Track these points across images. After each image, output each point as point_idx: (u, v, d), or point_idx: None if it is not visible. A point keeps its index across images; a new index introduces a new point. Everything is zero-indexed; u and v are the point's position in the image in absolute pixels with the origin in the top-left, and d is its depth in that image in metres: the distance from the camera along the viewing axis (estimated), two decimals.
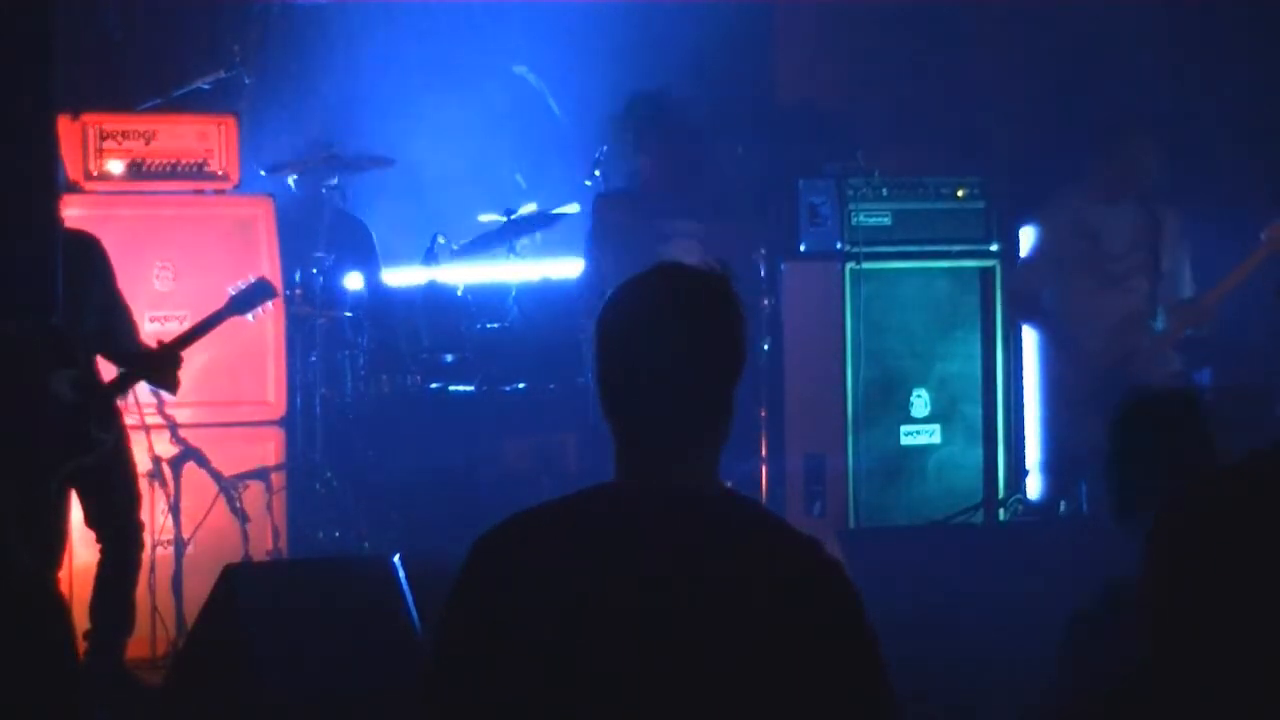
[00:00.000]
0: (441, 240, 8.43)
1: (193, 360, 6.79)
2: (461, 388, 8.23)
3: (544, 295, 8.39)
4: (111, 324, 6.50)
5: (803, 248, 8.24)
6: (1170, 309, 7.87)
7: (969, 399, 8.15)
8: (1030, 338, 8.24)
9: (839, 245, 8.06)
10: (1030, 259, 8.09)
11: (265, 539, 7.40)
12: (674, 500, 2.68)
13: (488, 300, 8.37)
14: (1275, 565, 2.81)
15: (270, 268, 7.47)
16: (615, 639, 2.60)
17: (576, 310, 7.96)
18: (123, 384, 6.50)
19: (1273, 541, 2.82)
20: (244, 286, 6.77)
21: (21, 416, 6.06)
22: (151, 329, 7.19)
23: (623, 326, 2.72)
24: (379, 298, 8.37)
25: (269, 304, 6.86)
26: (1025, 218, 8.24)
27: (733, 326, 2.73)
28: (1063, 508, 8.02)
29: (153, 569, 6.91)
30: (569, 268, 8.36)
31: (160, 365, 6.50)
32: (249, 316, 6.80)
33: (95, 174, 7.36)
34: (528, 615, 2.63)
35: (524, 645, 2.62)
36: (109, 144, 7.40)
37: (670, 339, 2.69)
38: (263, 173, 8.27)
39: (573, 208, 8.47)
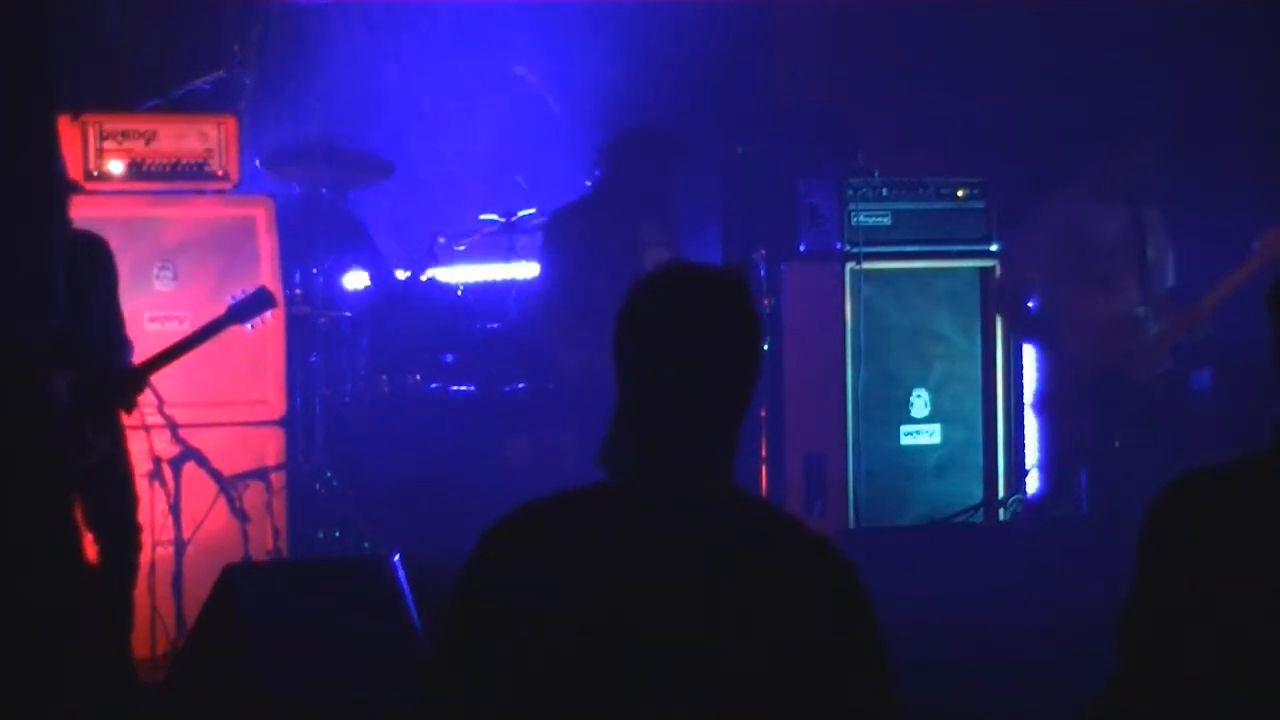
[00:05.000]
0: (441, 240, 8.43)
1: (192, 360, 6.79)
2: (461, 388, 8.23)
3: None
4: (109, 331, 6.46)
5: (803, 248, 8.24)
6: (1164, 312, 7.86)
7: (969, 399, 8.16)
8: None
9: (839, 245, 8.06)
10: (1017, 259, 8.07)
11: (265, 539, 7.39)
12: (686, 497, 2.69)
13: (488, 300, 8.37)
14: (1265, 565, 2.81)
15: (270, 268, 7.47)
16: (624, 634, 2.60)
17: (535, 315, 8.00)
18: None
19: (1263, 541, 2.82)
20: (244, 296, 6.76)
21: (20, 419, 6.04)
22: (151, 329, 7.18)
23: (640, 324, 2.72)
24: (386, 295, 8.36)
25: (268, 314, 6.84)
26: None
27: (749, 326, 2.73)
28: (1059, 508, 8.02)
29: (153, 569, 6.90)
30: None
31: (124, 388, 6.42)
32: (247, 326, 6.79)
33: (95, 174, 7.36)
34: (536, 608, 2.63)
35: (531, 639, 2.62)
36: (109, 144, 7.39)
37: (688, 338, 2.69)
38: (258, 162, 8.26)
39: None
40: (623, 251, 7.67)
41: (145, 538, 6.64)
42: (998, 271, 8.15)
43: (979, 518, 8.04)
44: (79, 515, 6.44)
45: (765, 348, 8.06)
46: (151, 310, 7.30)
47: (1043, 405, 8.07)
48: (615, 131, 8.03)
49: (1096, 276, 7.84)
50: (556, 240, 7.89)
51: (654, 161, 7.91)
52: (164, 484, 7.05)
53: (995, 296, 8.07)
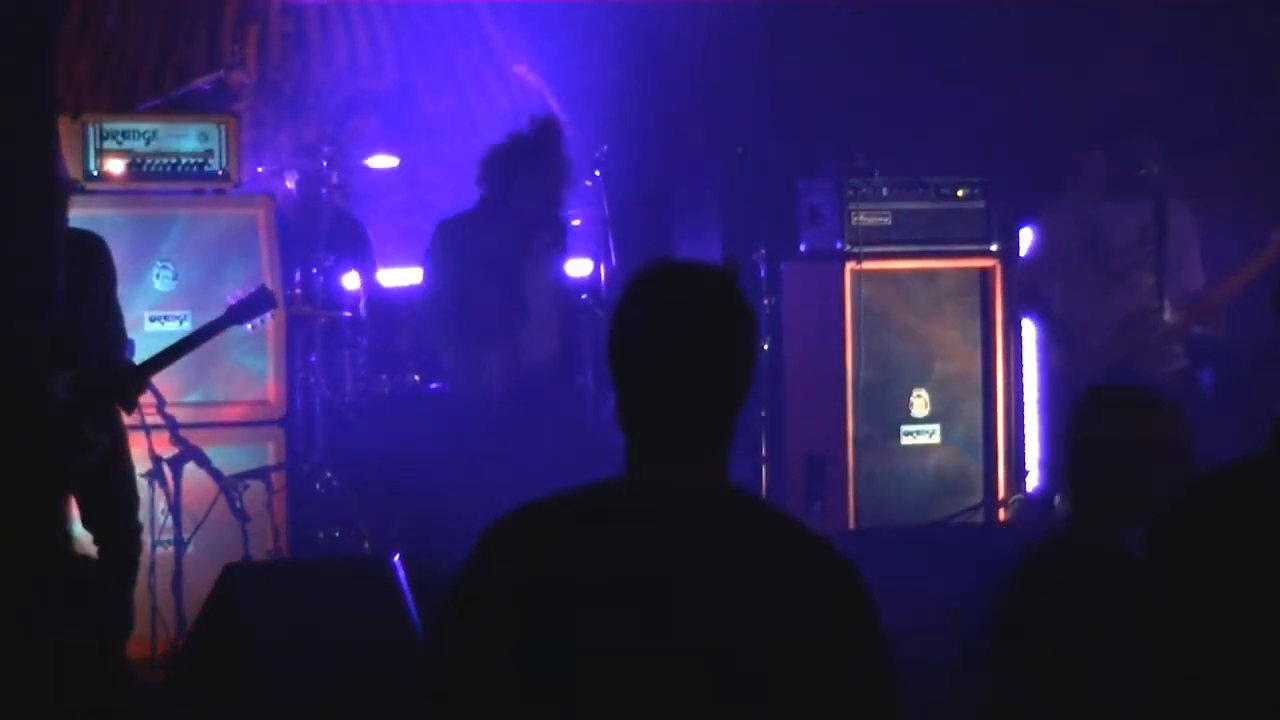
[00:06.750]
0: None
1: (193, 360, 6.79)
2: None
3: None
4: (107, 330, 6.46)
5: (803, 248, 8.25)
6: (1177, 305, 7.86)
7: (969, 399, 8.15)
8: (1031, 336, 8.24)
9: (839, 245, 8.06)
10: (1033, 257, 8.08)
11: (265, 539, 7.39)
12: (685, 495, 2.69)
13: None
14: (1267, 565, 2.81)
15: (270, 268, 7.47)
16: (623, 632, 2.60)
17: (420, 322, 7.93)
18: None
19: (1264, 542, 2.82)
20: (244, 296, 6.76)
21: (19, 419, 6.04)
22: (152, 329, 7.19)
23: (635, 323, 2.72)
24: (376, 297, 8.38)
25: (268, 314, 6.84)
26: (1025, 218, 8.24)
27: (742, 323, 2.73)
28: (1060, 506, 8.02)
29: (153, 569, 6.90)
30: (568, 268, 8.37)
31: (124, 387, 6.41)
32: (247, 326, 6.79)
33: (95, 174, 7.36)
34: (534, 608, 2.63)
35: (529, 638, 2.62)
36: (109, 144, 7.39)
37: (679, 337, 2.69)
38: (260, 169, 8.27)
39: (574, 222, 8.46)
40: (510, 260, 7.65)
41: (145, 537, 6.65)
42: (998, 271, 8.15)
43: (979, 518, 8.04)
44: (79, 515, 6.46)
45: (765, 347, 8.10)
46: (151, 310, 7.30)
47: (1051, 400, 8.08)
48: (500, 144, 7.92)
49: (1109, 273, 7.85)
50: (442, 248, 7.83)
51: (547, 168, 7.81)
52: (164, 484, 7.05)
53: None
